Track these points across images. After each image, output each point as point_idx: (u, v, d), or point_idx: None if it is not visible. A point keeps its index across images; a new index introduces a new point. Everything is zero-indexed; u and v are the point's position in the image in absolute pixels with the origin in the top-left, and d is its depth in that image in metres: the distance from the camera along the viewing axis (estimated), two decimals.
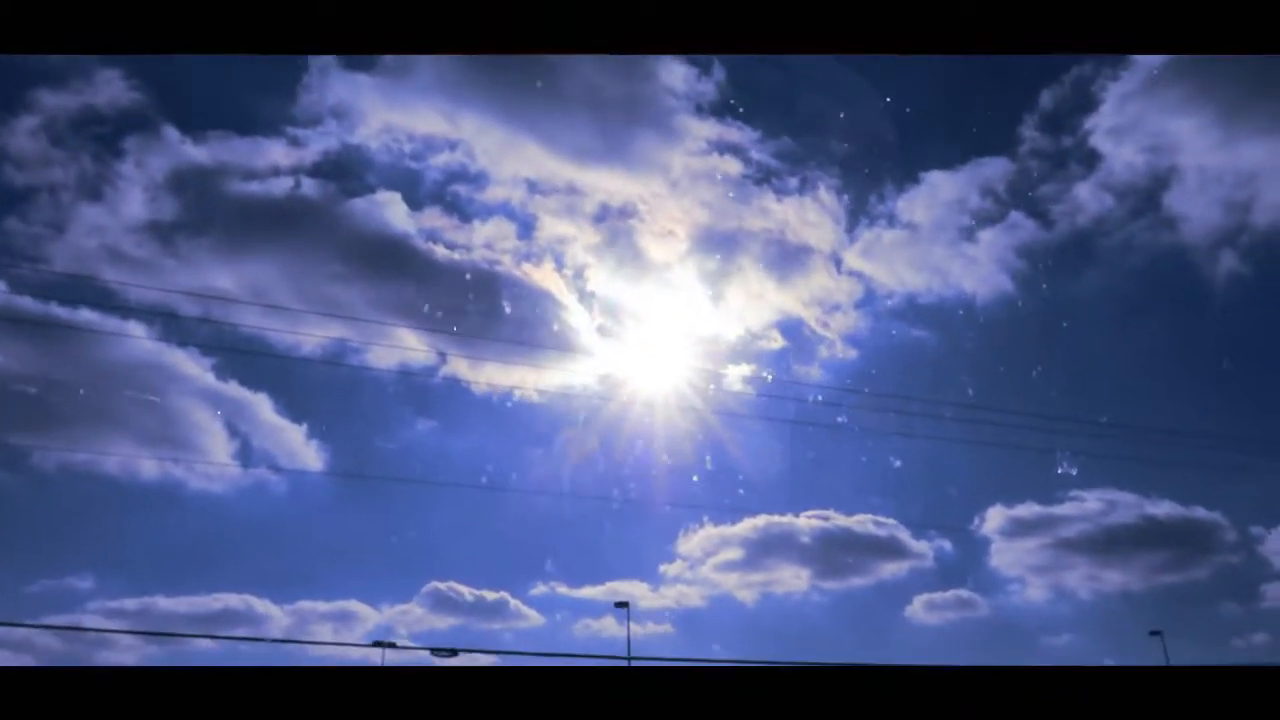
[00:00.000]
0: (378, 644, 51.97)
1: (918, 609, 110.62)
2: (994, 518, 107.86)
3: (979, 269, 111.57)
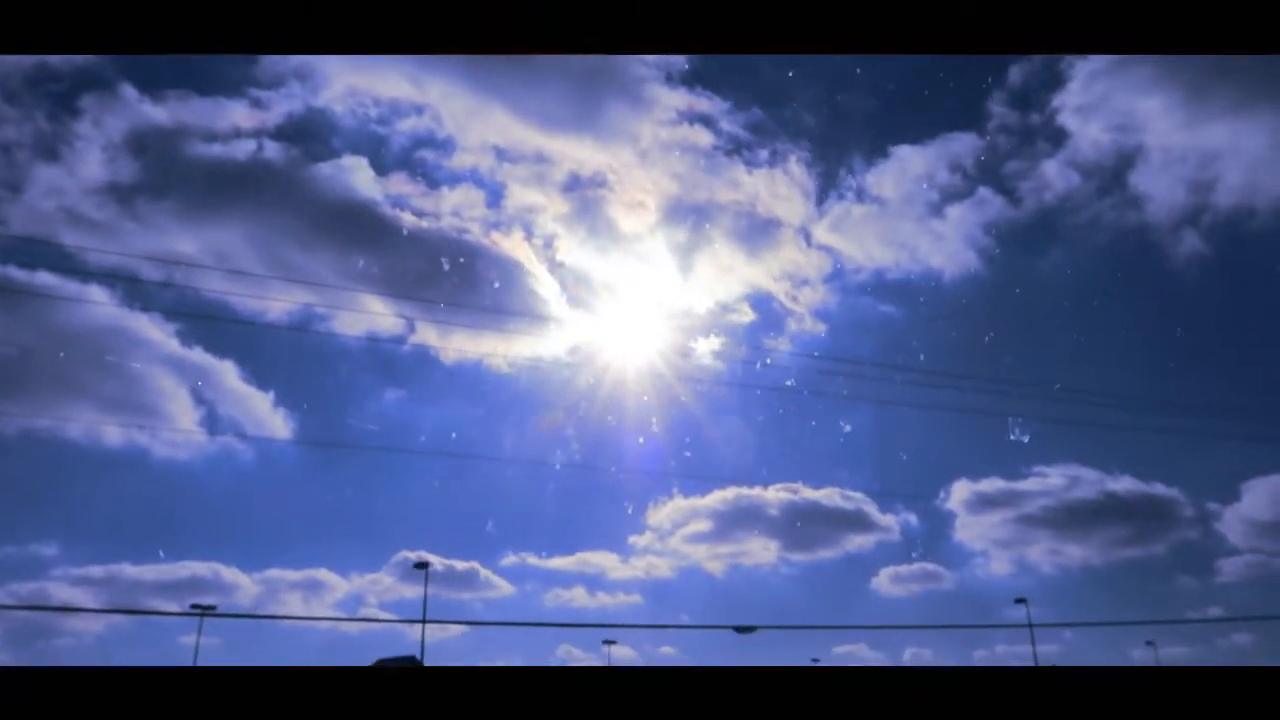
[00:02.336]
0: (195, 607, 52.53)
1: (884, 581, 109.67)
2: (959, 492, 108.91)
3: (947, 245, 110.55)
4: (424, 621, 53.76)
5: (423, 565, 58.30)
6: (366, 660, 77.36)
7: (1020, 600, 70.20)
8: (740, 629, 39.05)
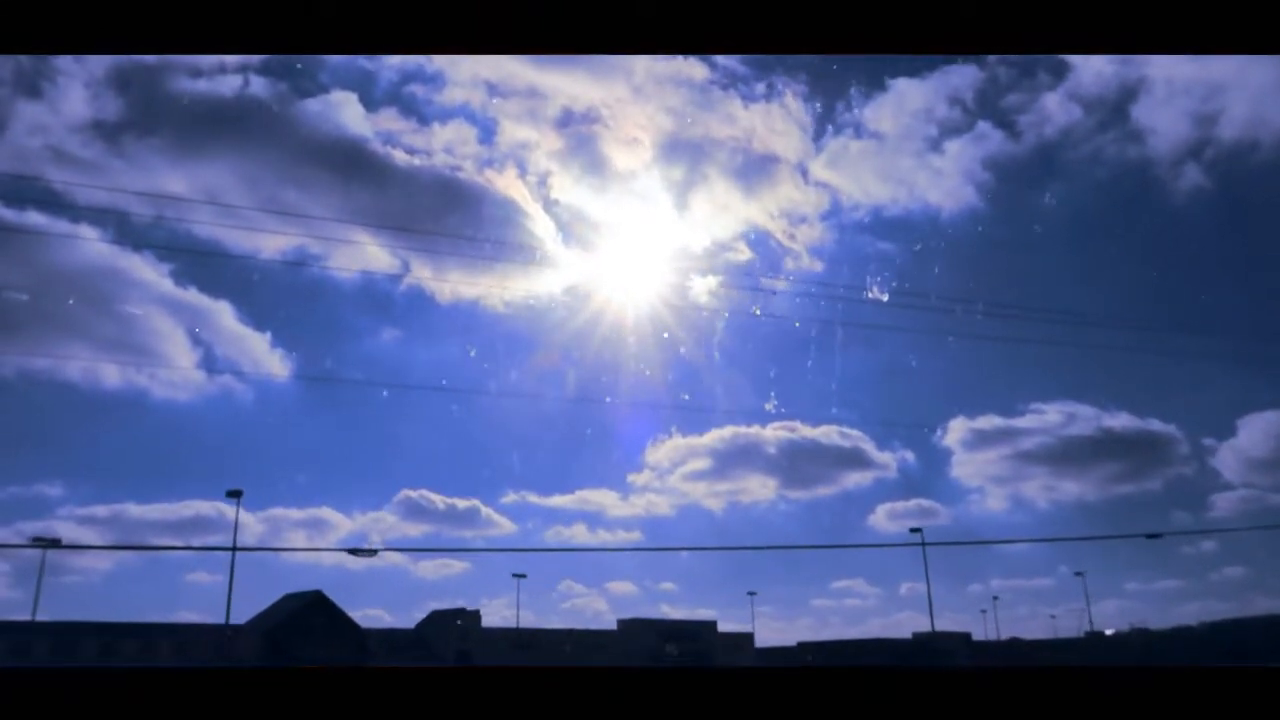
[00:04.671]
0: (38, 541, 52.79)
1: (880, 517, 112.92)
2: (956, 430, 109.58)
3: (945, 181, 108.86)
4: (234, 550, 55.36)
5: (236, 493, 58.74)
6: (274, 596, 77.58)
7: (915, 529, 72.53)
8: (355, 551, 40.10)
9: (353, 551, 38.82)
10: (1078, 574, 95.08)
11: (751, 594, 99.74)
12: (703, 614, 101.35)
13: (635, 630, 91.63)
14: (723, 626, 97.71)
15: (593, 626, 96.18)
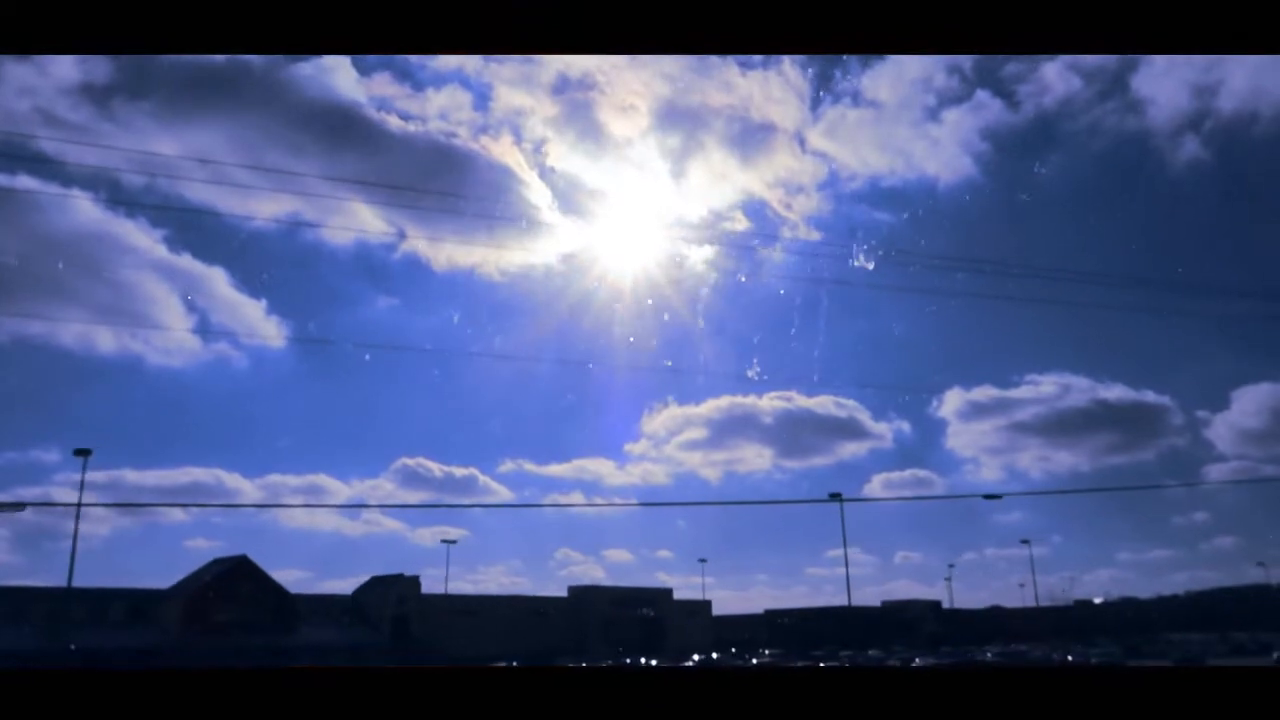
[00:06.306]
0: None
1: (876, 487, 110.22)
2: (952, 400, 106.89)
3: (943, 151, 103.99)
4: (79, 505, 56.43)
5: (83, 452, 55.00)
6: (271, 565, 76.57)
7: (835, 495, 70.64)
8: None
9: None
10: (1023, 541, 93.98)
11: (702, 561, 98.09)
12: (697, 581, 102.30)
13: (586, 597, 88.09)
14: (717, 592, 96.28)
15: (544, 594, 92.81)
